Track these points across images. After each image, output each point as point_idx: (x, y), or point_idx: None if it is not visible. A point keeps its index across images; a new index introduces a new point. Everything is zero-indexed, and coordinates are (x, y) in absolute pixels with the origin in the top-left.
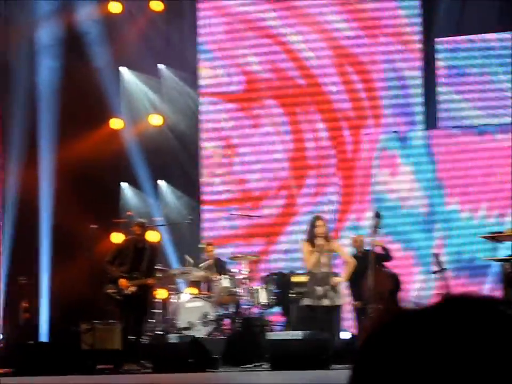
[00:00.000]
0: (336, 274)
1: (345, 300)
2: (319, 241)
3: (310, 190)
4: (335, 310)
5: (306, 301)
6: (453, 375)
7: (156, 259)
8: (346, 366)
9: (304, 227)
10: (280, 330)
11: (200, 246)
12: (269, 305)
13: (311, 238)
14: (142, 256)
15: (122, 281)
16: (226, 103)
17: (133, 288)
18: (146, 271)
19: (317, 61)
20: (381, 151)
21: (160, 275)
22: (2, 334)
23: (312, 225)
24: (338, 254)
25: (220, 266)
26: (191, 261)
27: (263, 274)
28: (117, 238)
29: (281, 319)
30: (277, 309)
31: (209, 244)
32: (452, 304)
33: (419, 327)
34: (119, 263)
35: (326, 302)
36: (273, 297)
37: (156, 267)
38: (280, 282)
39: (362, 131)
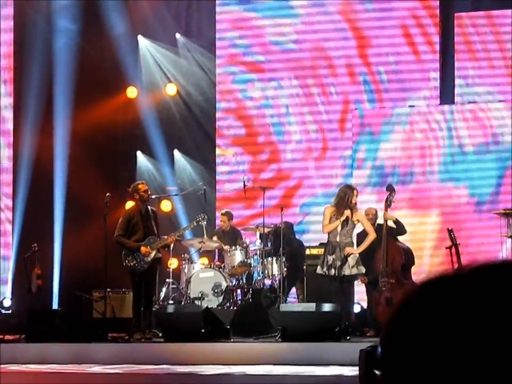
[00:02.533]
0: (351, 245)
1: (355, 271)
2: (346, 212)
3: (322, 163)
4: (346, 281)
5: (318, 270)
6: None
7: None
8: (357, 338)
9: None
10: (293, 302)
11: (221, 212)
12: (281, 277)
13: (342, 207)
14: (149, 220)
15: (143, 249)
16: (244, 74)
17: (154, 254)
18: (158, 233)
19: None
20: (396, 125)
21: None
22: (11, 299)
23: (346, 194)
24: (362, 225)
25: (233, 237)
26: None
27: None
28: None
29: (294, 290)
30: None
31: (225, 214)
32: (484, 268)
33: (458, 289)
34: (131, 233)
35: (333, 272)
36: (286, 269)
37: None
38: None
39: (376, 105)
